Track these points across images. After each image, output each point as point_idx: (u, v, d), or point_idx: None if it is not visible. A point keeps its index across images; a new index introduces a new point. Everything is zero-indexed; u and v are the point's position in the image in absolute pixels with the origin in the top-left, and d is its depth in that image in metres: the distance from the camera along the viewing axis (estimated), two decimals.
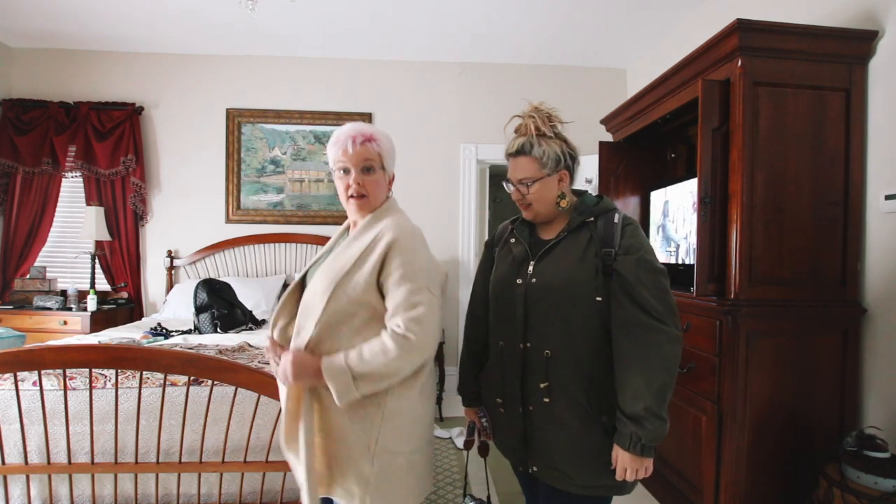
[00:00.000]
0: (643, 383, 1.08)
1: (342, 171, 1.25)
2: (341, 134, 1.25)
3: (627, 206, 2.99)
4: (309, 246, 4.02)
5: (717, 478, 1.89)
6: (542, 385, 1.18)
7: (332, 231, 4.04)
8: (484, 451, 1.43)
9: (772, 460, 1.87)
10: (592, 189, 3.48)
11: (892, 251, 1.84)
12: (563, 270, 1.19)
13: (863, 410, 1.92)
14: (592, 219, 1.22)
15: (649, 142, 2.92)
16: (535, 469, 1.24)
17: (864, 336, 1.92)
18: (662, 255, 2.65)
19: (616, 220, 1.20)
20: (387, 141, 1.29)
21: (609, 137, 3.17)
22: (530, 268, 1.24)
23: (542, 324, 1.19)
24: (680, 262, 2.46)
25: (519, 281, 1.24)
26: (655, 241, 2.74)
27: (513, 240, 1.34)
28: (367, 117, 4.04)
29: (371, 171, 1.24)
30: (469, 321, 1.44)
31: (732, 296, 1.88)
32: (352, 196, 1.24)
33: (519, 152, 1.25)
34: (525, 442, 1.24)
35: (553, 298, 1.18)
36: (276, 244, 4.02)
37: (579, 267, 1.17)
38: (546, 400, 1.19)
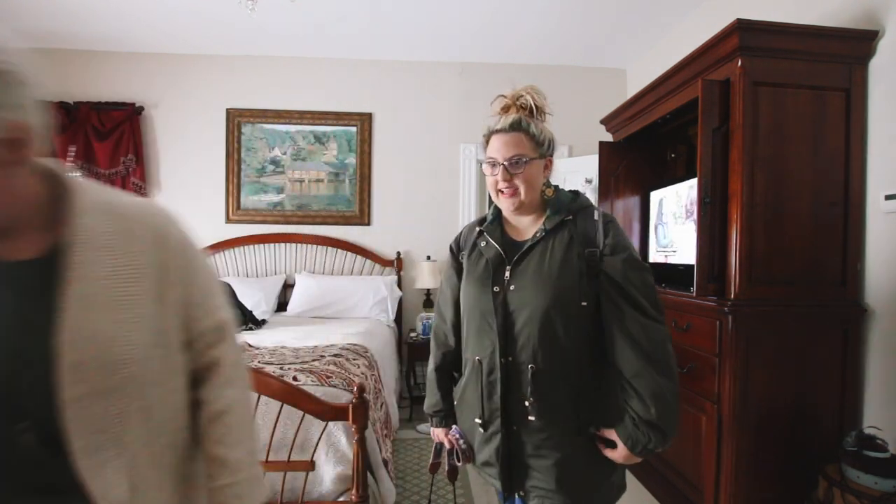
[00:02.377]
0: (662, 384, 1.03)
1: None
2: None
3: (627, 206, 2.99)
4: (309, 246, 4.02)
5: (717, 478, 1.89)
6: (527, 403, 1.09)
7: (332, 231, 4.04)
8: (453, 474, 1.29)
9: (772, 460, 1.87)
10: (592, 189, 3.48)
11: (892, 251, 1.83)
12: (544, 275, 1.09)
13: (863, 410, 1.91)
14: (571, 217, 1.14)
15: (649, 142, 2.92)
16: (521, 494, 1.15)
17: (864, 336, 1.91)
18: (660, 256, 2.65)
19: (596, 217, 1.13)
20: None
21: (609, 137, 3.17)
22: (507, 273, 1.14)
23: (525, 335, 1.09)
24: (679, 262, 2.46)
25: (496, 289, 1.13)
26: (653, 241, 2.75)
27: (483, 243, 1.21)
28: (367, 117, 4.04)
29: None
30: (437, 333, 1.32)
31: (732, 296, 1.88)
32: None
33: (514, 127, 1.13)
34: (509, 464, 1.14)
35: (535, 306, 1.08)
36: (276, 244, 4.02)
37: (562, 270, 1.08)
38: (532, 418, 1.09)
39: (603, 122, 3.20)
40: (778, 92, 1.90)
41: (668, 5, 3.08)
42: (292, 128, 4.03)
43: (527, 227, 1.19)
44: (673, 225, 2.54)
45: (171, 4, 3.18)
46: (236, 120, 3.99)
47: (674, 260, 2.52)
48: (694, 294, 1.97)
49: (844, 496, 1.58)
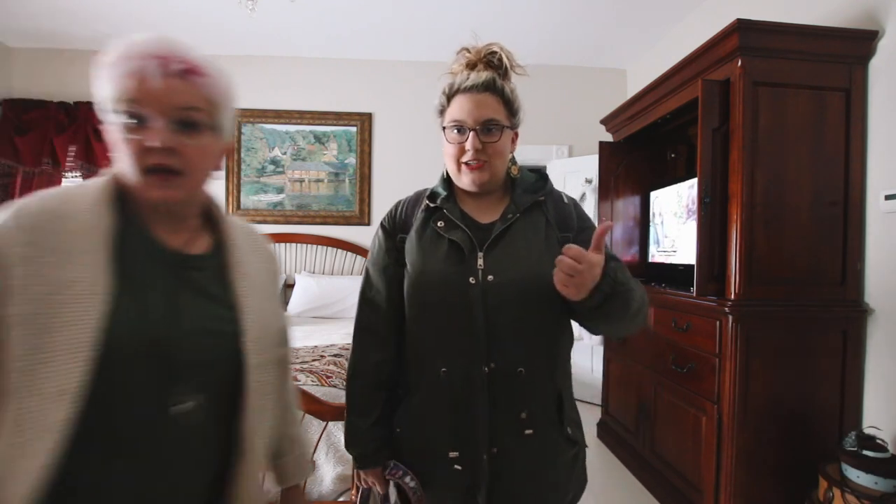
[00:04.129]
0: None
1: (133, 119, 0.67)
2: (131, 49, 0.66)
3: (627, 206, 2.99)
4: (309, 246, 4.02)
5: (717, 478, 1.89)
6: (522, 415, 0.92)
7: (332, 231, 4.04)
8: None
9: (772, 460, 1.87)
10: (592, 189, 3.48)
11: (892, 251, 1.83)
12: (531, 262, 0.93)
13: (863, 410, 1.91)
14: (543, 198, 1.00)
15: (649, 142, 2.92)
16: None
17: (864, 336, 1.91)
18: (660, 256, 2.65)
19: (565, 199, 1.03)
20: (222, 80, 0.73)
21: (609, 137, 3.17)
22: (479, 261, 0.93)
23: (512, 335, 0.92)
24: (679, 262, 2.46)
25: (472, 280, 0.92)
26: (653, 241, 2.75)
27: (441, 223, 0.97)
28: (367, 117, 4.04)
29: (194, 128, 0.69)
30: (364, 342, 1.03)
31: (732, 296, 1.88)
32: (153, 171, 0.68)
33: (487, 87, 0.94)
34: (485, 496, 0.92)
35: (524, 300, 0.92)
36: (276, 244, 4.02)
37: (546, 257, 0.91)
38: (529, 432, 0.92)
39: (603, 122, 3.20)
40: (778, 92, 1.90)
41: (668, 5, 3.08)
42: (292, 128, 4.03)
43: (490, 206, 1.01)
44: (673, 225, 2.54)
45: (170, 4, 3.19)
46: (236, 120, 3.98)
47: (674, 260, 2.52)
48: (694, 294, 1.97)
49: (844, 496, 1.58)
